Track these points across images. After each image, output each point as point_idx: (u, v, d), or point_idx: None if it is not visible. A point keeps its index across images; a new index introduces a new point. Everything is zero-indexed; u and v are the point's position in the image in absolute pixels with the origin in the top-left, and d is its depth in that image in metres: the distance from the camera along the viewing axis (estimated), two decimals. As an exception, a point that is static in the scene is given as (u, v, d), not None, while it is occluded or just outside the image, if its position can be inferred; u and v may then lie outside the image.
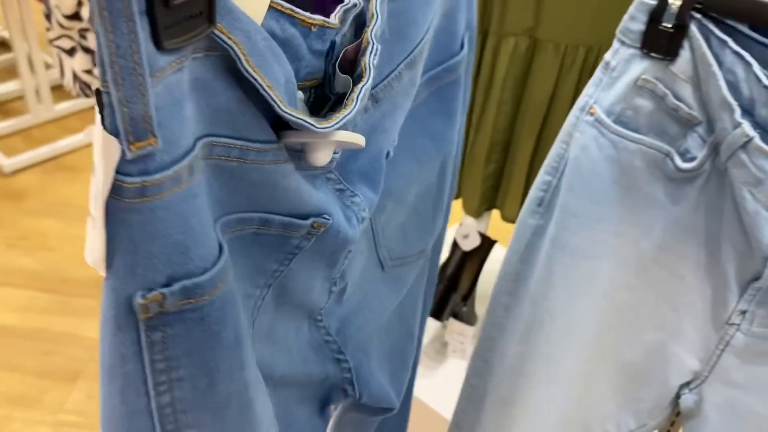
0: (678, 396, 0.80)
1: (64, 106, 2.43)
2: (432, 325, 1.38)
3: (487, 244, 1.30)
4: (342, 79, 0.47)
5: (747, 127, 0.63)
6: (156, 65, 0.33)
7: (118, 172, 0.34)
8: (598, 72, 0.70)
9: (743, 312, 0.71)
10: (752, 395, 0.75)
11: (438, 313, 1.33)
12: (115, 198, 0.35)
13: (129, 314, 0.38)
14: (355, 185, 0.55)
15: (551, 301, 0.79)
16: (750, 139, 0.63)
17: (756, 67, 0.62)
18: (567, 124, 0.74)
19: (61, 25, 1.76)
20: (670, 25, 0.63)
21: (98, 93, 0.33)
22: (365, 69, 0.45)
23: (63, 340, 1.73)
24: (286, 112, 0.41)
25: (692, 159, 0.68)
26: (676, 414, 0.83)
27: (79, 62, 1.82)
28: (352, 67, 0.47)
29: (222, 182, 0.42)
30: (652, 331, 0.78)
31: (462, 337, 1.34)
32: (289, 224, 0.48)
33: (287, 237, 0.49)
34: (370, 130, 0.55)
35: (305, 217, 0.49)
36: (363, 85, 0.45)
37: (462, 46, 0.66)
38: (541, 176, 0.77)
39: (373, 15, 0.47)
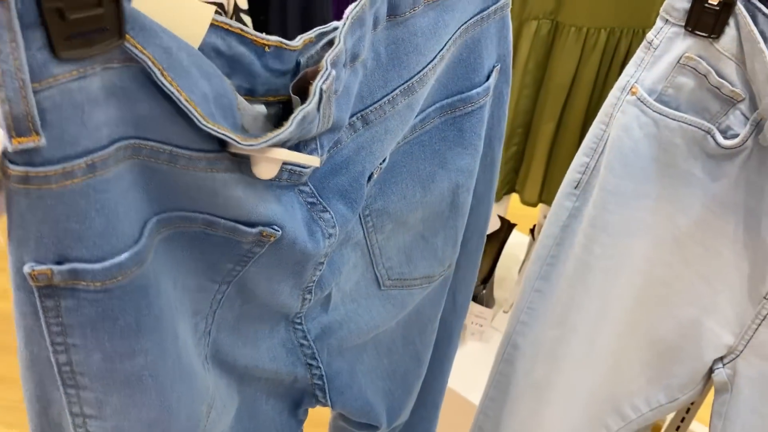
0: (711, 371, 0.82)
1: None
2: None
3: (506, 227, 1.31)
4: (294, 100, 0.49)
5: (791, 103, 0.64)
6: (48, 72, 0.36)
7: (6, 159, 0.38)
8: (639, 52, 0.71)
9: (781, 286, 0.72)
10: (787, 368, 0.76)
11: (457, 297, 1.34)
12: (7, 180, 0.39)
13: (24, 279, 0.42)
14: (330, 201, 0.56)
15: (589, 281, 0.80)
16: (793, 115, 0.64)
17: (801, 44, 0.63)
18: (606, 105, 0.74)
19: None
20: (715, 3, 0.64)
21: None
22: (312, 93, 0.47)
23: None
24: (206, 126, 0.43)
25: (734, 136, 0.69)
26: (708, 388, 0.85)
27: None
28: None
29: (158, 182, 0.45)
30: (686, 306, 0.79)
31: (480, 319, 1.36)
32: (235, 229, 0.50)
33: (237, 241, 0.51)
34: (356, 150, 0.56)
35: (252, 225, 0.50)
36: (303, 108, 0.46)
37: (488, 78, 0.65)
38: (579, 158, 0.78)
39: (337, 42, 0.48)
